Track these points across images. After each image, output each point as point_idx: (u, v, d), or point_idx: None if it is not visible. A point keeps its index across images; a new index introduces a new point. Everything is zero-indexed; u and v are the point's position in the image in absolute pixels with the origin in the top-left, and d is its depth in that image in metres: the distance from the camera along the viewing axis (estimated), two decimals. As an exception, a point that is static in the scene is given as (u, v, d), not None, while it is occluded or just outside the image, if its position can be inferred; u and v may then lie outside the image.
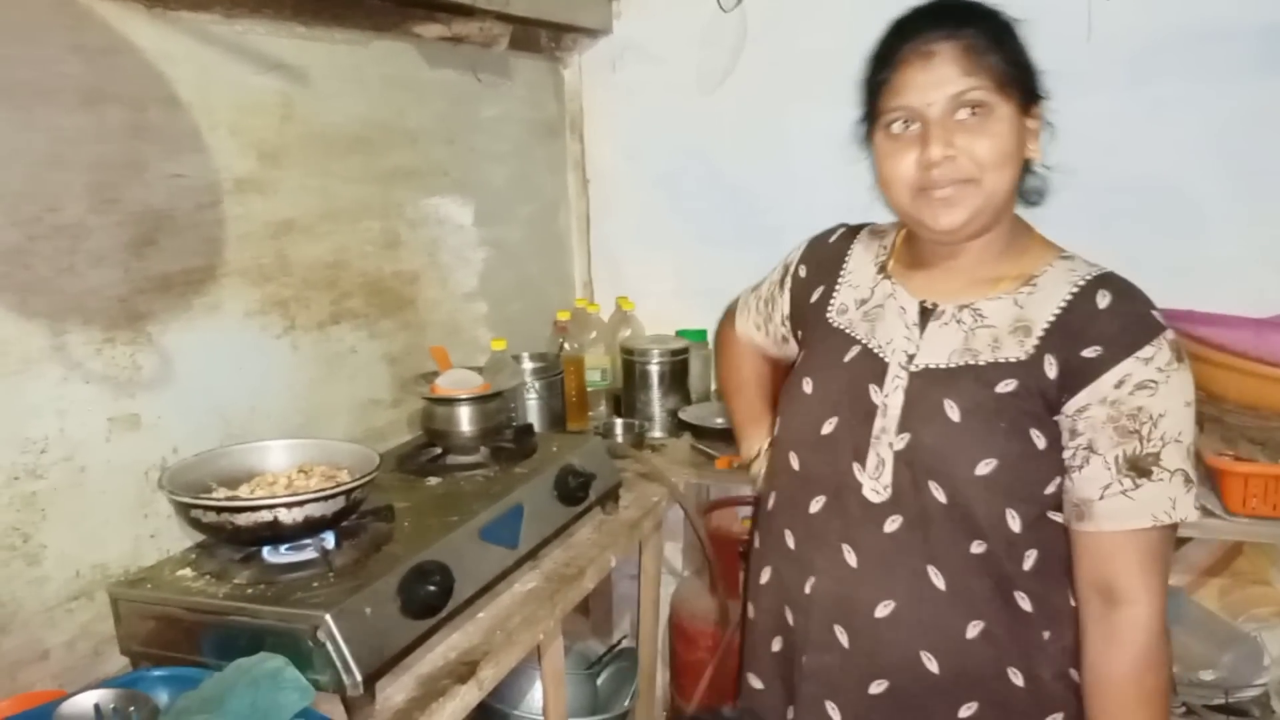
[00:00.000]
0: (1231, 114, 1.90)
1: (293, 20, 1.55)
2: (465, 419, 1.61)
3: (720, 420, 2.03)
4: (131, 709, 1.01)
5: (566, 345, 2.14)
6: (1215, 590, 1.98)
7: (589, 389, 2.17)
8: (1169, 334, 1.04)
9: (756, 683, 1.26)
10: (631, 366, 2.15)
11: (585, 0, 2.23)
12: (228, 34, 1.44)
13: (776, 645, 1.23)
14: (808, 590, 1.17)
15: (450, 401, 1.61)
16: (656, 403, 2.14)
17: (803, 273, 1.33)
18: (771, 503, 1.25)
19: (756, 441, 1.50)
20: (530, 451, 1.63)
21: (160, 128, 1.34)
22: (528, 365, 2.04)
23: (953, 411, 1.08)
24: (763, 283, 1.47)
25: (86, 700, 1.01)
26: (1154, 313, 1.06)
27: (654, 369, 2.13)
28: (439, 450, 1.62)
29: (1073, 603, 1.11)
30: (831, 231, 1.35)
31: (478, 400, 1.61)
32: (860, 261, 1.27)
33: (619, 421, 2.10)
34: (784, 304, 1.37)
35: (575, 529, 1.60)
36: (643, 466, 1.88)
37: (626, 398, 2.18)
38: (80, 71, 1.22)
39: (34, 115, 1.17)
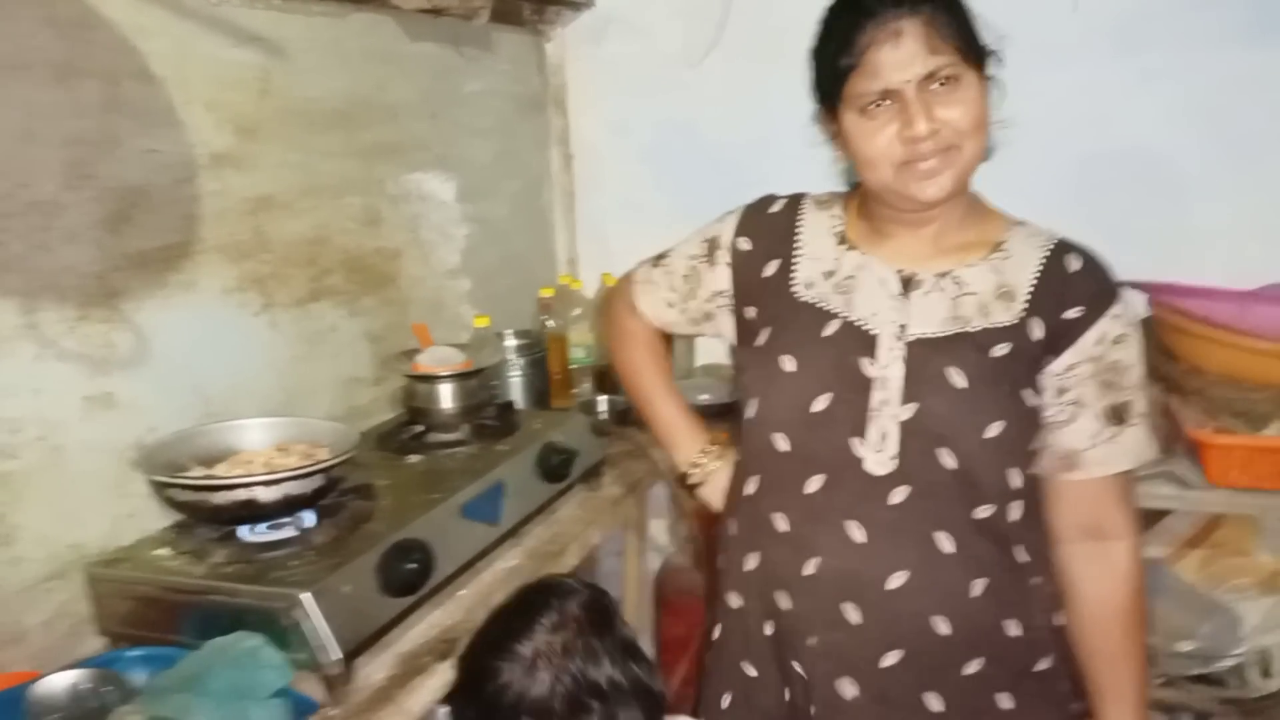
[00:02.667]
0: (1217, 84, 1.90)
1: (268, -8, 1.53)
2: (447, 396, 1.60)
3: (705, 396, 2.03)
4: (107, 689, 1.00)
5: (550, 322, 2.14)
6: (1195, 562, 1.99)
7: (573, 366, 2.16)
8: (1123, 292, 1.16)
9: (751, 670, 1.25)
10: (616, 343, 2.14)
11: (568, -28, 2.20)
12: (202, 7, 1.41)
13: (768, 630, 1.22)
14: (809, 571, 1.15)
15: (431, 379, 1.60)
16: (641, 379, 2.13)
17: (745, 245, 1.27)
18: (754, 487, 1.22)
19: (691, 443, 1.41)
20: (512, 429, 1.63)
21: (134, 102, 1.32)
22: (511, 342, 2.03)
23: (957, 378, 1.10)
24: (667, 257, 1.38)
25: (62, 680, 1.01)
26: (1113, 274, 1.16)
27: (638, 345, 2.12)
28: (421, 428, 1.62)
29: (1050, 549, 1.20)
30: (767, 202, 1.30)
31: (459, 377, 1.60)
32: (815, 233, 1.24)
33: (603, 398, 2.10)
34: (716, 279, 1.29)
35: (558, 506, 1.60)
36: (627, 443, 1.87)
37: (611, 375, 2.17)
38: (52, 45, 1.20)
39: (5, 90, 1.15)
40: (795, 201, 1.29)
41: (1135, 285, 1.83)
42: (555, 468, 1.56)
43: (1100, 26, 1.95)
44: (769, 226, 1.28)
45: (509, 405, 1.72)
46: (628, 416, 2.06)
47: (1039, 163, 1.98)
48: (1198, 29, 1.89)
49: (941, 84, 1.06)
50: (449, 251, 2.03)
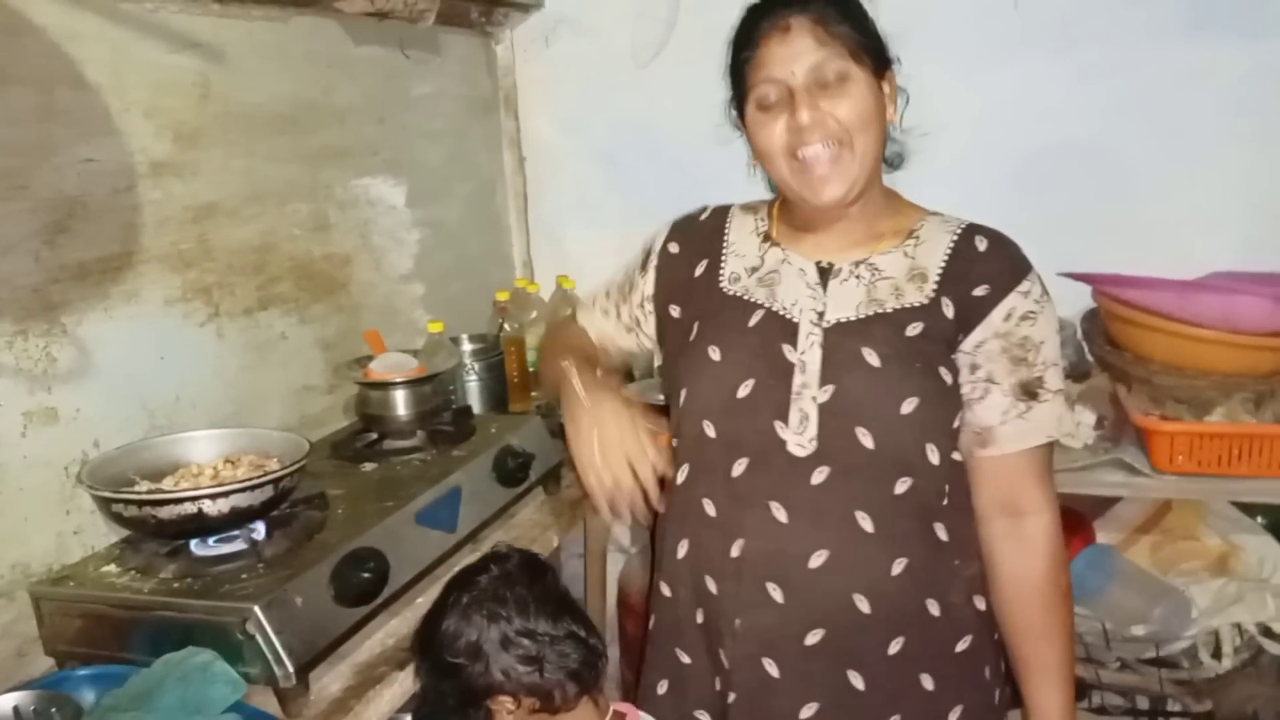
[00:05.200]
0: (1158, 77, 1.93)
1: (206, -3, 1.50)
2: (401, 403, 1.58)
3: (662, 398, 2.02)
4: (53, 710, 0.98)
5: (507, 326, 2.12)
6: (1146, 547, 2.03)
7: (531, 369, 2.14)
8: (1035, 270, 1.18)
9: (685, 658, 1.26)
10: (573, 345, 2.13)
11: (515, -27, 2.19)
12: (137, 12, 1.39)
13: (699, 617, 1.24)
14: (735, 554, 1.18)
15: (385, 385, 1.58)
16: (599, 381, 2.12)
17: (674, 249, 1.33)
18: (684, 475, 1.25)
19: None
20: (469, 433, 1.62)
21: (69, 110, 1.29)
22: (467, 347, 2.02)
23: (871, 358, 1.14)
24: (612, 281, 1.45)
25: (5, 703, 0.98)
26: (1022, 252, 1.19)
27: (595, 347, 2.11)
28: (375, 435, 1.60)
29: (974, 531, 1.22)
30: (697, 211, 1.36)
31: (413, 383, 1.59)
32: (740, 233, 1.30)
33: (561, 401, 2.09)
34: (646, 285, 1.35)
35: (516, 510, 1.59)
36: (585, 445, 1.86)
37: (568, 376, 2.16)
38: (-22, 52, 1.17)
39: (-70, 99, 1.13)
40: (723, 209, 1.35)
41: (1080, 277, 1.87)
42: (513, 471, 1.55)
43: (1041, 23, 1.98)
44: (698, 231, 1.33)
45: (466, 410, 1.71)
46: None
47: (983, 158, 2.01)
48: (1137, 24, 1.92)
49: (831, 80, 1.12)
50: (401, 256, 2.01)
